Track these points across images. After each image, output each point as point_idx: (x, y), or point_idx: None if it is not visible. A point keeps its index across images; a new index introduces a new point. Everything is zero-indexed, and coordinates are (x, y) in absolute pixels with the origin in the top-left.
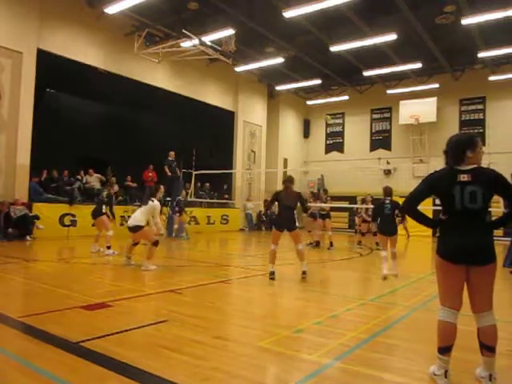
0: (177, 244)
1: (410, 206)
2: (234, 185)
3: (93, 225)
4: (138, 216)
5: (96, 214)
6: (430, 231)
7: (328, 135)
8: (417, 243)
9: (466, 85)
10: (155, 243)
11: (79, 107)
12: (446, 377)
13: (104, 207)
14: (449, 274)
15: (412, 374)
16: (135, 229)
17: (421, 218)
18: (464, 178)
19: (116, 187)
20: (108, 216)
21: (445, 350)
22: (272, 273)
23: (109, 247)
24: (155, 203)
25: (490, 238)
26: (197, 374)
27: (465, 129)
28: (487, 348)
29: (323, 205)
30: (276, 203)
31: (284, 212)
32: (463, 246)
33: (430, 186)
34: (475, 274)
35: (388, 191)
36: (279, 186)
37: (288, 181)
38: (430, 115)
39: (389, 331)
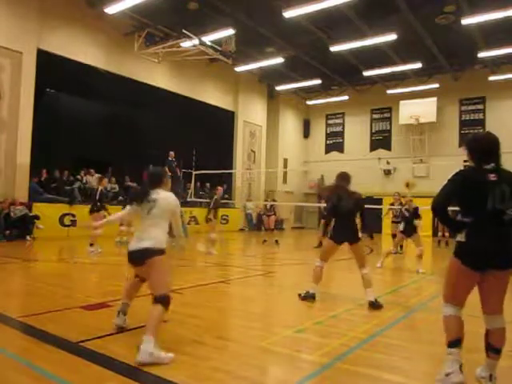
0: (176, 244)
1: (441, 208)
2: (234, 185)
3: None
4: None
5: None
6: (430, 231)
7: (328, 135)
8: None
9: (466, 85)
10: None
11: (79, 107)
12: (461, 372)
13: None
14: (465, 279)
15: (412, 374)
16: None
17: (449, 221)
18: (493, 177)
19: (105, 182)
20: (98, 211)
21: (455, 342)
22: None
23: (91, 244)
24: None
25: (510, 239)
26: (197, 374)
27: (465, 129)
28: (494, 350)
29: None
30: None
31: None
32: (490, 250)
33: (462, 185)
34: (494, 277)
35: None
36: (279, 186)
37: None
38: (430, 115)
39: (389, 331)
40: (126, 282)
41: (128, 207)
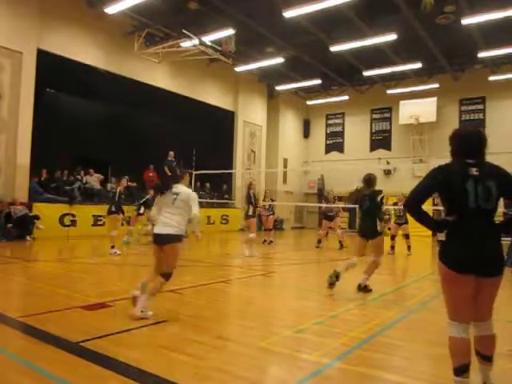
0: None
1: (413, 205)
2: (234, 185)
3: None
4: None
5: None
6: (429, 231)
7: (328, 135)
8: (416, 243)
9: (466, 85)
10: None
11: (79, 107)
12: None
13: (113, 205)
14: (457, 285)
15: (412, 374)
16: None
17: (425, 220)
18: (476, 171)
19: (124, 182)
20: (117, 213)
21: (462, 370)
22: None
23: (112, 247)
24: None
25: (501, 244)
26: (197, 374)
27: None
28: (484, 357)
29: (332, 205)
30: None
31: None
32: (475, 255)
33: (439, 180)
34: (483, 285)
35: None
36: (279, 186)
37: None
38: (430, 115)
39: (389, 331)
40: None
41: (155, 202)
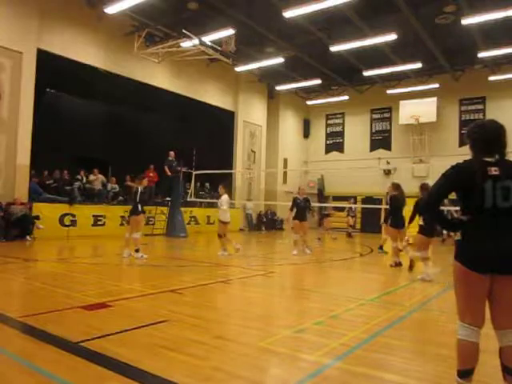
0: (177, 244)
1: (431, 206)
2: (234, 185)
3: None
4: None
5: (130, 212)
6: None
7: (328, 135)
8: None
9: (466, 85)
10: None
11: (79, 107)
12: None
13: (139, 205)
14: (471, 285)
15: (412, 374)
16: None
17: (442, 220)
18: (495, 171)
19: (145, 182)
20: (142, 213)
21: (465, 373)
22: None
23: (137, 250)
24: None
25: None
26: (197, 374)
27: (465, 129)
28: (511, 372)
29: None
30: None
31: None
32: (491, 252)
33: (457, 179)
34: (501, 284)
35: None
36: (279, 186)
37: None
38: (430, 115)
39: (389, 331)
40: None
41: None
